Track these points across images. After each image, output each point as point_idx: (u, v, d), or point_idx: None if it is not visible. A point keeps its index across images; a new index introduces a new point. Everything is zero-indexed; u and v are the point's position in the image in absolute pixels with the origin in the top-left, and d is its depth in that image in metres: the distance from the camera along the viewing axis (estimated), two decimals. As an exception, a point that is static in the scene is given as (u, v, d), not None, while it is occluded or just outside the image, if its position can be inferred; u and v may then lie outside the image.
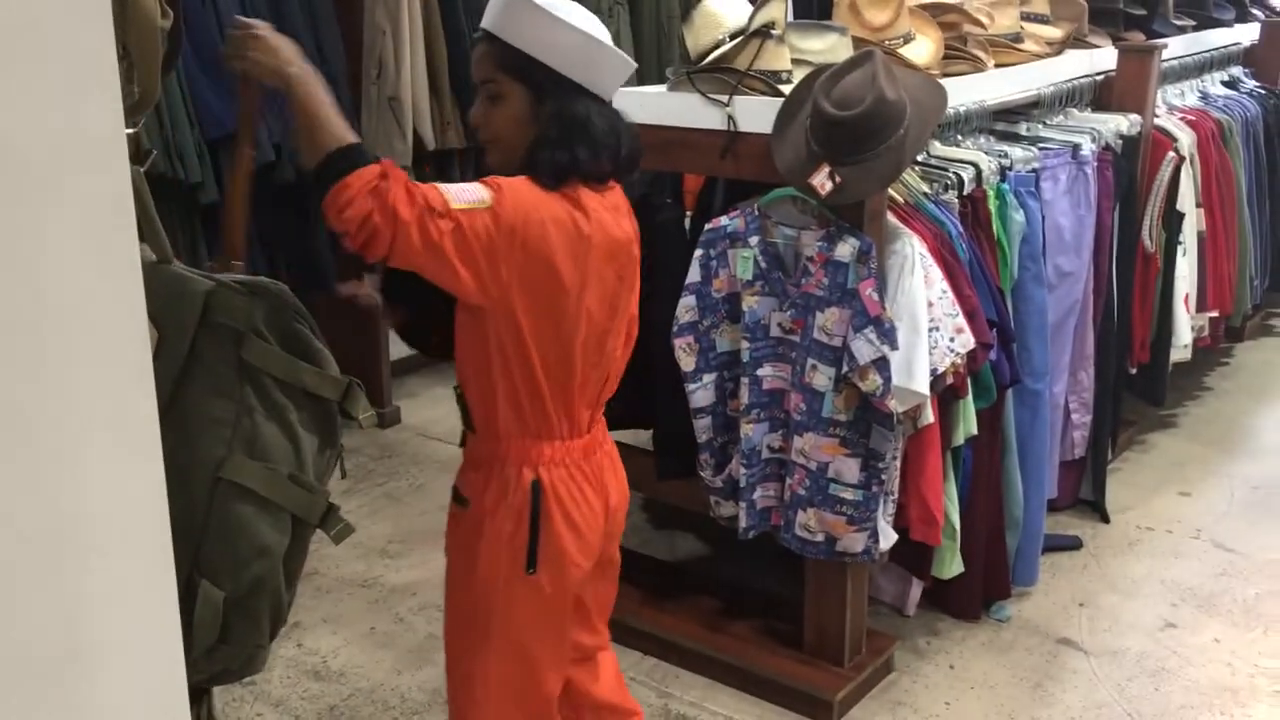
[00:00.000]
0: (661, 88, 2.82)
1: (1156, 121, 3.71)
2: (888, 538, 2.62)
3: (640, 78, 4.49)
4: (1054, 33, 3.47)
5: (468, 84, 4.10)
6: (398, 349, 4.60)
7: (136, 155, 1.31)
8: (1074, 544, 3.43)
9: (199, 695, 1.43)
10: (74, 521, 0.99)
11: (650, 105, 2.77)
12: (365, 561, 3.35)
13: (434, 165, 4.08)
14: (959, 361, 2.59)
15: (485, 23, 1.76)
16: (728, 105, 2.57)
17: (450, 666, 1.97)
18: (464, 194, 1.63)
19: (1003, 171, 2.92)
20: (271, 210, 3.55)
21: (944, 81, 2.69)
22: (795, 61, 2.69)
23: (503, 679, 1.89)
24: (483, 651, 1.88)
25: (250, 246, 3.47)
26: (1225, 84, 4.63)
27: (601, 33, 1.78)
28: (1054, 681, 2.81)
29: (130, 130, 1.29)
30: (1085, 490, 3.65)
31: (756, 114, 2.54)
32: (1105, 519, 3.57)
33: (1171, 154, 3.67)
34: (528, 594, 1.84)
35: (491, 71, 1.73)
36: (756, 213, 2.55)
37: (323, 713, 2.68)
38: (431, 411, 4.43)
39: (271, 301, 1.32)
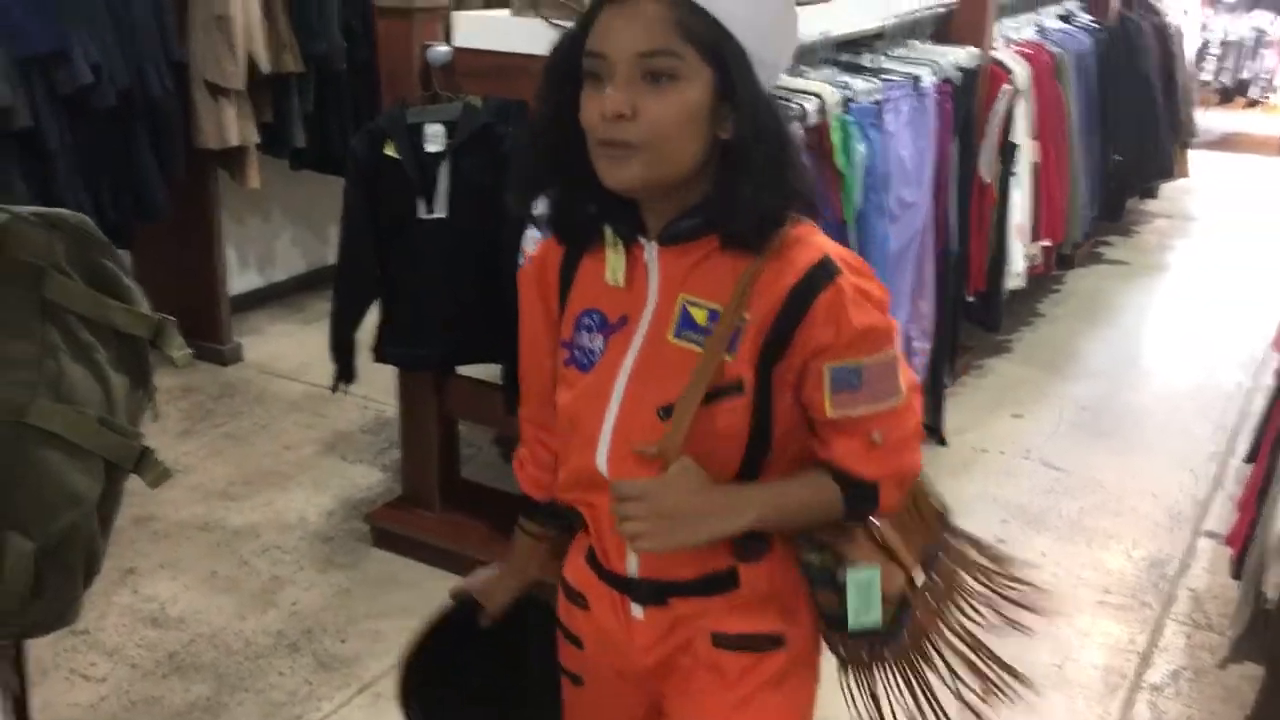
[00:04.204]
0: (505, 12, 2.74)
1: (994, 54, 3.80)
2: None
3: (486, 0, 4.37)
4: (897, -36, 3.50)
5: (304, 2, 3.94)
6: (238, 283, 4.44)
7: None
8: (914, 467, 3.55)
9: (7, 651, 1.36)
10: None
11: (493, 30, 2.70)
12: (205, 504, 3.24)
13: (271, 91, 3.90)
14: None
15: None
16: (571, 31, 2.51)
17: None
18: (895, 378, 1.26)
19: (846, 103, 2.95)
20: (93, 137, 3.34)
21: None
22: (640, -13, 2.64)
23: None
24: None
25: (71, 176, 3.27)
26: (1061, 18, 4.78)
27: None
28: (893, 599, 2.92)
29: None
30: (925, 414, 3.77)
31: (601, 41, 2.49)
32: (942, 441, 3.71)
33: (1008, 86, 3.77)
34: None
35: (669, 39, 1.15)
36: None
37: (161, 660, 2.60)
38: (274, 347, 4.29)
39: (73, 235, 1.23)
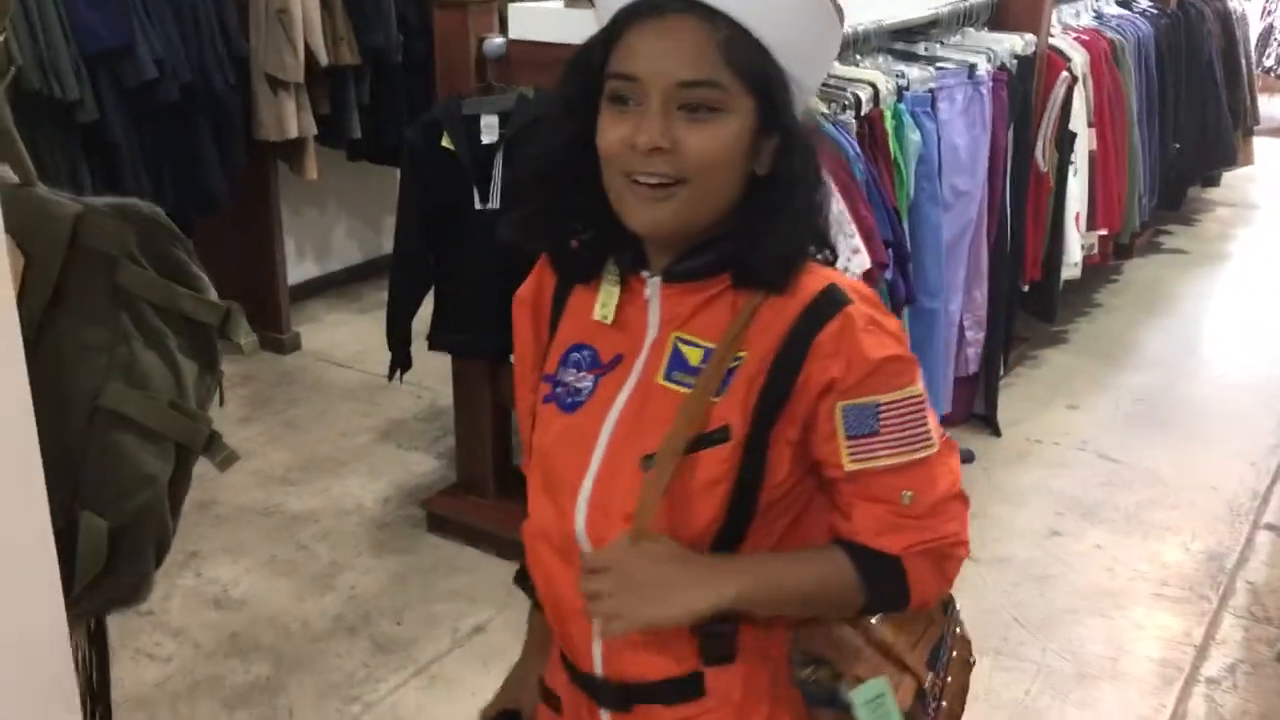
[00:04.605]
0: (558, 3, 2.76)
1: (1051, 41, 3.76)
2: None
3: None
4: (952, -49, 3.47)
5: (360, -3, 3.99)
6: (295, 273, 4.51)
7: (-6, 70, 1.25)
8: (966, 457, 3.54)
9: (84, 625, 1.41)
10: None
11: (547, 21, 2.72)
12: (265, 490, 3.31)
13: (329, 83, 3.95)
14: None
15: None
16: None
17: None
18: (923, 423, 1.10)
19: (900, 91, 2.94)
20: (156, 130, 3.42)
21: (843, 1, 2.68)
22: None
23: None
24: None
25: (135, 168, 3.35)
26: (1119, 3, 4.71)
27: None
28: (945, 589, 2.91)
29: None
30: (978, 405, 3.75)
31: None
32: (997, 432, 3.68)
33: (1065, 74, 3.73)
34: None
35: (714, 68, 1.04)
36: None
37: (223, 641, 2.67)
38: (331, 336, 4.36)
39: (145, 225, 1.27)
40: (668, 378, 1.10)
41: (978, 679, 2.57)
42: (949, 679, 1.21)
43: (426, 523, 3.13)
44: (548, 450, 1.17)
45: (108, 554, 1.26)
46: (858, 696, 1.13)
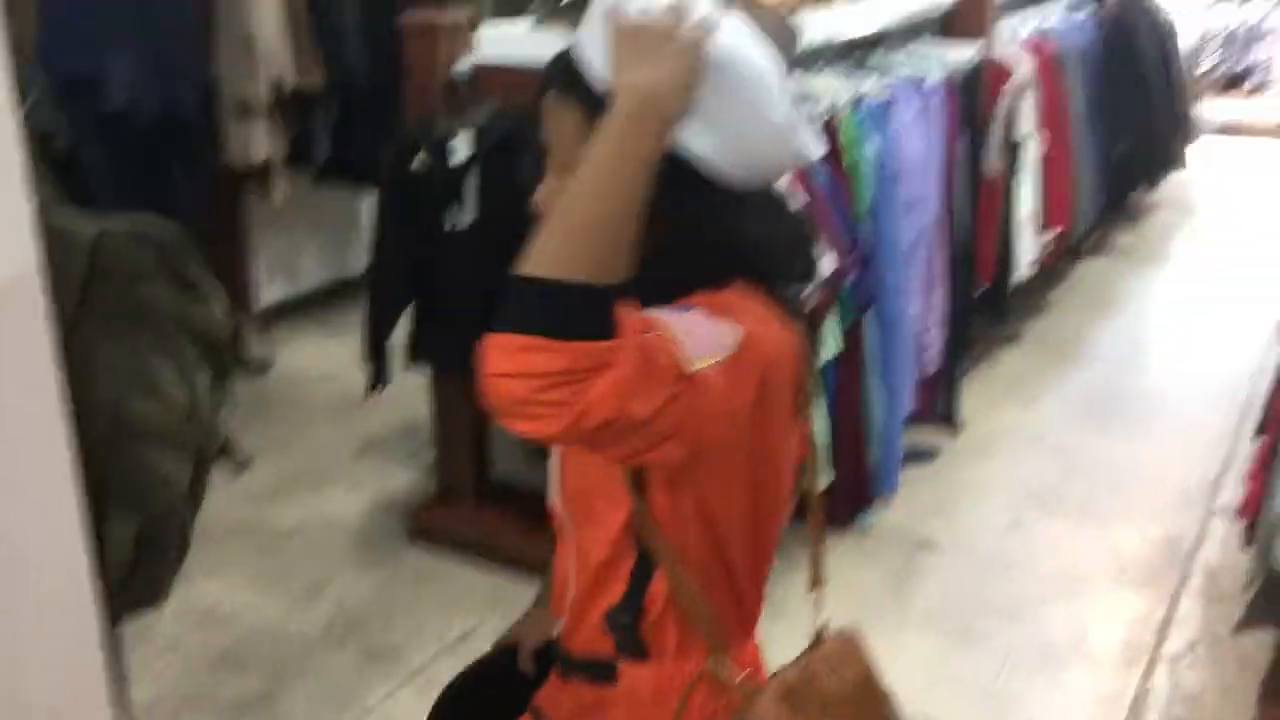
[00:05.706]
0: (524, 26, 2.84)
1: (998, 50, 3.90)
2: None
3: (515, 9, 4.47)
4: (900, -34, 3.60)
5: (328, 18, 4.04)
6: (267, 293, 4.55)
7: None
8: (930, 454, 3.65)
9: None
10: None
11: (516, 43, 2.80)
12: (248, 507, 3.35)
13: (295, 107, 4.00)
14: (820, 286, 2.73)
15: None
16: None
17: None
18: (702, 340, 1.07)
19: (855, 102, 3.06)
20: (126, 155, 3.45)
21: (799, 16, 2.79)
22: None
23: None
24: None
25: (105, 191, 3.38)
26: (1069, 7, 4.88)
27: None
28: (916, 577, 3.02)
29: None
30: (939, 404, 3.87)
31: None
32: (957, 429, 3.80)
33: (1013, 81, 3.87)
34: None
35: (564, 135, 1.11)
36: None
37: (215, 656, 2.71)
38: (303, 357, 4.40)
39: (161, 245, 1.34)
40: None
41: (945, 663, 2.68)
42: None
43: (409, 534, 3.19)
44: None
45: (133, 556, 1.32)
46: None
